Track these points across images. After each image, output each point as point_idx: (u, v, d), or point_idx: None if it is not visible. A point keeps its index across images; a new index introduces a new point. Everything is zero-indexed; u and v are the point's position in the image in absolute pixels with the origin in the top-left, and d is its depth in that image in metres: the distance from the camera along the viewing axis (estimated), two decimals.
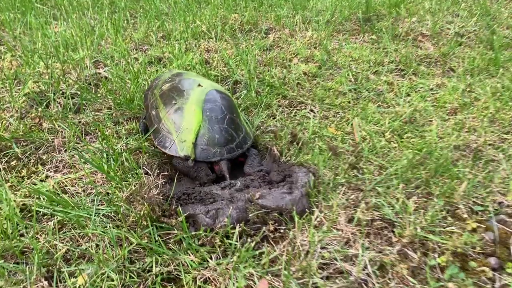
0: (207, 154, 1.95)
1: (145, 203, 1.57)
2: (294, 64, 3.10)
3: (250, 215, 1.71)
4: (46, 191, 1.79)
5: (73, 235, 1.63)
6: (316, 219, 1.74)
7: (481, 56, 3.19)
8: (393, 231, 1.75)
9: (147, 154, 2.10)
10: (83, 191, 1.89)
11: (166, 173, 2.01)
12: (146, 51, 3.19)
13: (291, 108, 2.61)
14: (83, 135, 2.27)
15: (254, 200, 1.78)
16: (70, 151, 2.12)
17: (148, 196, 1.61)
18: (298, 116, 2.51)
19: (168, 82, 2.15)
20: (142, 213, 1.59)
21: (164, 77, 2.25)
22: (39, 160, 2.07)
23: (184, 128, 1.95)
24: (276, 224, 1.73)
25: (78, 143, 2.18)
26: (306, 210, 1.79)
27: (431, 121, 2.53)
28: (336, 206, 1.79)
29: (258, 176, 1.94)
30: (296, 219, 1.71)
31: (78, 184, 1.92)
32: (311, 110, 2.60)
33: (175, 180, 1.84)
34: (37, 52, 2.89)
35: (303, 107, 2.63)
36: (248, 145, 2.08)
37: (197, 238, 1.63)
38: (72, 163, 2.07)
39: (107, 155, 2.04)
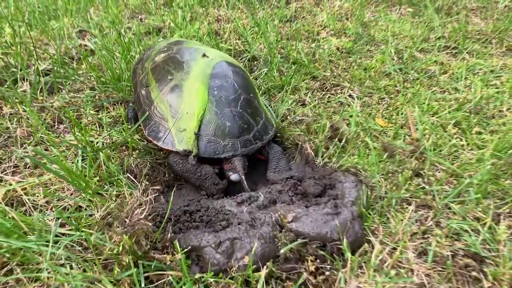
0: (215, 148, 1.41)
1: (125, 234, 1.04)
2: (323, 38, 2.52)
3: (281, 250, 1.17)
4: None
5: (18, 280, 1.10)
6: (376, 255, 1.20)
7: None
8: (482, 271, 1.22)
9: (137, 152, 1.56)
10: (46, 203, 1.35)
11: (159, 179, 1.48)
12: (143, 20, 2.62)
13: (324, 92, 2.06)
14: (56, 124, 1.73)
15: (285, 225, 1.24)
16: (35, 145, 1.59)
17: (131, 221, 1.07)
18: (333, 102, 1.96)
19: (163, 52, 1.59)
20: (120, 247, 1.06)
21: (159, 46, 1.69)
22: None
23: (184, 112, 1.41)
24: (318, 261, 1.20)
25: (49, 133, 1.65)
26: (360, 239, 1.25)
27: (501, 111, 1.97)
28: (401, 234, 1.25)
29: (288, 186, 1.39)
30: (348, 254, 1.18)
31: (39, 194, 1.39)
32: (349, 95, 2.04)
33: (173, 191, 1.30)
34: (6, 18, 2.33)
35: (338, 91, 2.08)
36: (270, 136, 1.53)
37: (204, 285, 1.10)
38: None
39: (83, 153, 1.50)
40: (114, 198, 1.29)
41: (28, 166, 1.52)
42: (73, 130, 1.52)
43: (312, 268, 1.17)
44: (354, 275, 1.16)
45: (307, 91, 2.04)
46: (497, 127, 1.82)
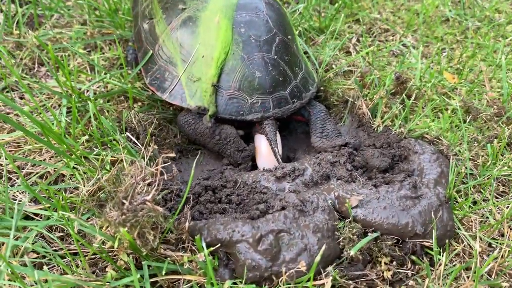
0: (239, 107, 1.03)
1: (123, 224, 0.68)
2: None
3: (345, 248, 0.82)
4: None
5: None
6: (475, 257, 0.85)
7: None
8: None
9: (139, 105, 1.19)
10: (18, 168, 0.99)
11: (169, 141, 1.11)
12: None
13: (372, 38, 1.66)
14: (36, 66, 1.35)
15: (347, 211, 0.88)
16: (8, 94, 1.21)
17: (132, 203, 0.71)
18: (384, 51, 1.56)
19: None
20: (116, 242, 0.71)
21: None
22: None
23: (199, 55, 1.03)
24: (395, 263, 0.85)
25: (24, 78, 1.27)
26: (450, 233, 0.90)
27: None
28: (507, 227, 0.89)
29: (344, 157, 1.02)
30: (438, 255, 0.83)
31: (16, 152, 1.03)
32: (402, 43, 1.64)
33: (196, 159, 0.94)
34: None
35: (389, 37, 1.68)
36: (311, 93, 1.16)
37: None
38: (12, 112, 1.16)
39: (68, 102, 1.13)
40: (108, 167, 0.93)
41: None
42: (55, 72, 1.13)
43: (388, 275, 0.82)
44: (443, 283, 0.81)
45: (352, 35, 1.64)
46: None
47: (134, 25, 1.24)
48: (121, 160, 0.88)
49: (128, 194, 0.73)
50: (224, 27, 1.03)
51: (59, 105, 1.20)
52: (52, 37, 1.42)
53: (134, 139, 1.00)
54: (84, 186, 0.86)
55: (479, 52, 1.59)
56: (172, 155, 0.88)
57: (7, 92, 1.23)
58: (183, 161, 1.10)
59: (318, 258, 0.68)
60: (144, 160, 0.85)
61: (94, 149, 1.00)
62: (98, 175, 0.85)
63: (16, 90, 1.25)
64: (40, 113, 1.16)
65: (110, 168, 0.91)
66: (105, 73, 1.25)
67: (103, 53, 1.41)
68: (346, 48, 1.57)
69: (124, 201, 0.72)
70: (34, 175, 0.99)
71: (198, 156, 1.12)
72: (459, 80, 1.42)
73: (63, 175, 0.99)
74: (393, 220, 0.87)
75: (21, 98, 1.23)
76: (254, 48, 1.05)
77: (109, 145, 0.98)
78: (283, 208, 0.87)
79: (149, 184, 0.78)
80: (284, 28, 1.15)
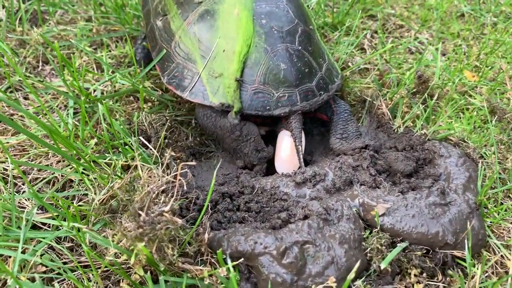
0: (265, 102, 0.98)
1: (140, 238, 0.63)
2: None
3: (375, 261, 0.77)
4: None
5: None
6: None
7: None
8: None
9: (149, 105, 1.14)
10: (24, 173, 0.94)
11: (181, 144, 1.06)
12: None
13: (386, 35, 1.60)
14: (40, 64, 1.29)
15: (376, 221, 0.83)
16: (12, 94, 1.16)
17: (149, 214, 0.66)
18: (400, 48, 1.51)
19: None
20: (133, 257, 0.66)
21: None
22: None
23: (219, 50, 0.97)
24: (425, 275, 0.80)
25: (28, 77, 1.21)
26: (481, 242, 0.85)
27: None
28: None
29: (367, 161, 0.97)
30: (472, 266, 0.78)
31: (22, 156, 0.98)
32: (418, 40, 1.59)
33: (218, 165, 0.89)
34: None
35: (404, 33, 1.63)
36: (337, 85, 1.10)
37: None
38: (14, 116, 1.11)
39: (74, 104, 1.08)
40: (119, 172, 0.87)
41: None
42: (61, 72, 1.08)
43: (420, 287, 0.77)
44: None
45: (364, 31, 1.58)
46: None
47: (145, 24, 1.18)
48: (135, 166, 0.83)
49: (145, 204, 0.68)
50: (244, 18, 0.98)
51: (66, 106, 1.15)
52: (57, 34, 1.36)
53: (146, 143, 0.94)
54: (95, 194, 0.81)
55: (497, 49, 1.54)
56: (193, 163, 0.83)
57: (11, 92, 1.17)
58: (197, 164, 1.04)
59: (351, 276, 0.63)
60: (161, 167, 0.80)
61: (104, 153, 0.95)
62: (110, 182, 0.80)
63: (20, 90, 1.20)
64: (46, 114, 1.11)
65: (122, 174, 0.86)
66: (112, 72, 1.20)
67: (110, 51, 1.35)
68: (361, 44, 1.52)
69: (141, 212, 0.67)
70: (40, 181, 0.94)
71: (210, 158, 1.07)
72: (479, 79, 1.37)
73: (72, 181, 0.94)
74: (422, 229, 0.82)
75: (25, 98, 1.18)
76: (277, 40, 1.00)
77: (120, 149, 0.93)
78: (306, 217, 0.83)
79: (164, 192, 0.73)
80: (304, 19, 1.10)
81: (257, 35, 0.98)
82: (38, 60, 1.31)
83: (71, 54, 1.32)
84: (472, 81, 1.36)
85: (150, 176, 0.71)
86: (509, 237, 0.90)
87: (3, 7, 1.43)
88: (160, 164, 0.84)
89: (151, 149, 0.95)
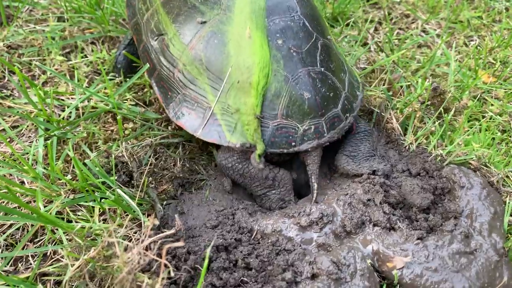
0: (290, 137, 0.85)
1: None
2: None
3: None
4: None
5: None
6: None
7: None
8: None
9: (131, 126, 1.00)
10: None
11: (167, 172, 0.94)
12: None
13: (391, 25, 1.46)
14: (6, 74, 1.14)
15: (394, 276, 0.73)
16: None
17: None
18: (407, 41, 1.37)
19: None
20: None
21: None
22: None
23: (233, 81, 0.83)
24: None
25: None
26: None
27: None
28: None
29: (379, 195, 0.86)
30: None
31: None
32: (425, 31, 1.45)
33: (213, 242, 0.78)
34: None
35: (410, 24, 1.49)
36: (360, 99, 0.98)
37: None
38: None
39: (46, 132, 0.95)
40: (96, 222, 0.75)
41: None
42: (26, 93, 0.94)
43: None
44: None
45: (366, 23, 1.44)
46: None
47: (136, 40, 1.00)
48: (112, 229, 0.70)
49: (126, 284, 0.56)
50: (258, 41, 0.83)
51: (35, 127, 1.01)
52: (25, 37, 1.20)
53: (128, 188, 0.82)
54: (68, 260, 0.69)
55: (510, 39, 1.41)
56: (180, 244, 0.69)
57: None
58: (186, 197, 0.92)
59: None
60: (143, 241, 0.67)
61: (80, 191, 0.83)
62: (84, 251, 0.68)
63: None
64: (13, 141, 0.98)
65: (105, 220, 0.74)
66: (88, 83, 1.06)
67: (85, 56, 1.20)
68: (364, 39, 1.38)
69: None
70: (7, 227, 0.82)
71: (200, 188, 0.95)
72: (495, 80, 1.25)
73: (42, 229, 0.82)
74: (446, 285, 0.72)
75: None
76: (297, 63, 0.86)
77: (96, 192, 0.81)
78: (314, 276, 0.72)
79: (149, 266, 0.61)
80: (321, 27, 0.96)
81: (275, 61, 0.84)
82: (5, 69, 1.16)
83: (42, 61, 1.17)
84: (488, 83, 1.23)
85: (130, 254, 0.59)
86: None
87: None
88: (143, 235, 0.71)
89: (132, 188, 0.83)
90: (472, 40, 1.47)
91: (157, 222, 0.64)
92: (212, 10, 0.86)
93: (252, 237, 0.81)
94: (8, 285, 0.68)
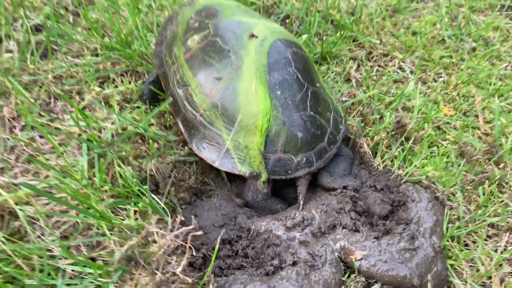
0: (287, 167, 1.13)
1: None
2: None
3: None
4: None
5: None
6: None
7: None
8: None
9: (156, 146, 1.26)
10: (47, 217, 1.07)
11: (184, 184, 1.19)
12: None
13: (371, 62, 1.73)
14: (52, 100, 1.40)
15: (353, 265, 0.98)
16: (29, 132, 1.28)
17: (164, 273, 0.80)
18: (385, 77, 1.64)
19: (195, 32, 1.21)
20: None
21: (185, 17, 1.30)
22: None
23: (243, 125, 1.10)
24: None
25: (42, 115, 1.33)
26: (443, 282, 1.01)
27: None
28: (498, 283, 1.00)
29: (348, 204, 1.12)
30: None
31: (38, 205, 1.10)
32: (401, 68, 1.72)
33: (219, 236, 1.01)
34: None
35: (388, 62, 1.75)
36: (342, 132, 1.26)
37: None
38: (33, 154, 1.23)
39: (88, 149, 1.20)
40: (132, 219, 1.01)
41: (19, 159, 1.22)
42: (75, 119, 1.20)
43: None
44: None
45: (352, 61, 1.71)
46: None
47: (165, 86, 1.27)
48: (147, 223, 0.96)
49: (159, 265, 0.82)
50: (261, 93, 1.09)
51: (79, 146, 1.27)
52: (67, 70, 1.47)
53: (154, 188, 1.08)
54: (114, 245, 0.94)
55: (474, 77, 1.67)
56: (200, 233, 0.95)
57: (27, 131, 1.29)
58: (198, 203, 1.18)
59: None
60: (172, 231, 0.93)
61: (119, 197, 1.09)
62: (128, 239, 0.93)
63: (36, 128, 1.31)
64: (60, 156, 1.23)
65: (137, 226, 0.99)
66: (119, 111, 1.32)
67: (116, 86, 1.47)
68: (348, 74, 1.64)
69: (157, 272, 0.81)
70: (63, 224, 1.07)
71: (210, 196, 1.21)
72: (454, 113, 1.51)
73: (91, 225, 1.07)
74: (393, 273, 0.97)
75: (41, 137, 1.30)
76: (292, 110, 1.12)
77: (132, 198, 1.07)
78: (294, 263, 0.97)
79: (178, 254, 0.86)
80: (311, 76, 1.22)
81: (275, 108, 1.11)
82: (50, 95, 1.42)
83: (81, 90, 1.43)
84: (448, 116, 1.49)
85: (162, 238, 0.84)
86: (468, 274, 1.05)
87: (14, 39, 1.53)
88: (171, 225, 0.97)
89: (160, 194, 1.09)
90: (441, 77, 1.73)
91: (182, 218, 0.89)
92: (225, 69, 1.13)
93: (250, 234, 1.06)
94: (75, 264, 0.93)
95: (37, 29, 1.62)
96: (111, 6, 1.68)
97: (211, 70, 1.14)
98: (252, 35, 1.15)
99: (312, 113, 1.14)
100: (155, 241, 0.87)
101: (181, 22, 1.29)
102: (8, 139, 1.25)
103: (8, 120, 1.31)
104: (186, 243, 0.86)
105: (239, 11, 1.30)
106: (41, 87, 1.41)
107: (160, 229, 0.97)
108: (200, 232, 0.89)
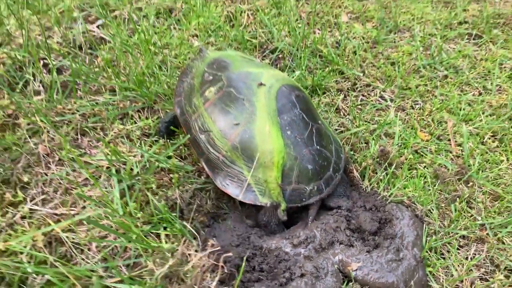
0: (301, 196, 1.34)
1: None
2: (346, 23, 2.38)
3: None
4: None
5: None
6: None
7: None
8: None
9: (175, 176, 1.46)
10: (93, 245, 1.26)
11: (202, 209, 1.39)
12: None
13: (356, 93, 1.96)
14: (79, 137, 1.59)
15: (348, 273, 1.19)
16: (62, 167, 1.46)
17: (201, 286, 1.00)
18: (368, 107, 1.87)
19: (211, 84, 1.42)
20: None
21: (199, 71, 1.51)
22: (17, 182, 1.40)
23: (261, 162, 1.30)
24: None
25: (72, 150, 1.51)
26: (424, 286, 1.22)
27: None
28: (469, 286, 1.22)
29: (343, 223, 1.33)
30: None
31: (79, 232, 1.29)
32: (382, 97, 1.95)
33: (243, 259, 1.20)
34: None
35: (370, 92, 1.98)
36: (343, 160, 1.48)
37: None
38: (68, 187, 1.41)
39: (119, 181, 1.39)
40: (164, 242, 1.20)
41: (57, 191, 1.41)
42: (107, 154, 1.39)
43: None
44: None
45: (339, 92, 1.93)
46: None
47: (186, 131, 1.45)
48: (180, 244, 1.16)
49: (197, 281, 1.02)
50: (274, 134, 1.30)
51: (108, 177, 1.46)
52: (90, 108, 1.65)
53: (180, 214, 1.28)
54: (153, 265, 1.14)
55: (446, 103, 1.91)
56: (230, 254, 1.15)
57: (61, 165, 1.47)
58: (216, 226, 1.38)
59: None
60: (204, 250, 1.13)
61: (150, 223, 1.28)
62: (168, 260, 1.13)
63: (65, 161, 1.49)
64: (93, 184, 1.42)
65: (170, 247, 1.19)
66: (140, 145, 1.51)
67: (135, 122, 1.66)
68: (335, 104, 1.86)
69: (194, 287, 1.01)
70: (103, 247, 1.26)
71: (225, 219, 1.41)
72: (430, 137, 1.74)
73: (128, 248, 1.26)
74: (383, 280, 1.19)
75: (73, 170, 1.48)
76: (302, 146, 1.33)
77: (162, 223, 1.26)
78: (302, 275, 1.18)
79: (212, 271, 1.06)
80: (314, 117, 1.44)
81: (287, 146, 1.31)
82: (77, 132, 1.60)
83: (104, 125, 1.62)
84: (424, 140, 1.73)
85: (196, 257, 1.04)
86: (444, 279, 1.27)
87: (39, 81, 1.71)
88: (200, 244, 1.17)
89: (185, 219, 1.29)
90: (417, 104, 1.96)
91: (215, 242, 1.10)
92: (241, 115, 1.33)
93: (262, 252, 1.27)
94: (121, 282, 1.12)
95: (57, 70, 1.80)
96: (124, 46, 1.87)
97: (229, 117, 1.34)
98: (261, 84, 1.37)
99: (318, 147, 1.36)
100: (187, 261, 1.07)
101: (196, 75, 1.50)
102: (46, 174, 1.44)
103: (43, 156, 1.49)
104: (217, 261, 1.07)
105: (245, 62, 1.52)
106: (68, 125, 1.59)
107: (190, 250, 1.17)
108: (230, 253, 1.10)
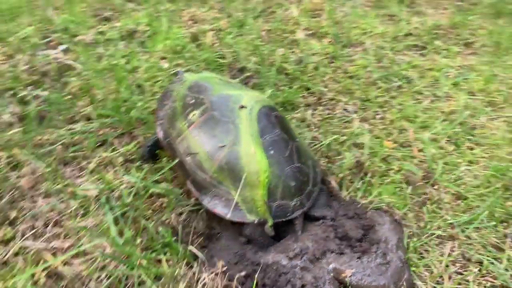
0: (286, 211, 1.40)
1: None
2: (304, 40, 2.51)
3: None
4: None
5: None
6: None
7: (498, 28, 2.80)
8: None
9: (166, 200, 1.49)
10: (95, 275, 1.27)
11: (197, 230, 1.43)
12: (111, 20, 2.41)
13: (321, 107, 2.07)
14: (62, 166, 1.58)
15: (343, 280, 1.28)
16: (49, 198, 1.45)
17: None
18: (334, 119, 1.99)
19: (194, 107, 1.48)
20: None
21: (180, 94, 1.55)
22: (5, 218, 1.38)
23: (248, 181, 1.36)
24: None
25: (55, 183, 1.50)
26: (411, 286, 1.34)
27: (478, 118, 2.11)
28: (447, 279, 1.35)
29: (332, 233, 1.42)
30: None
31: (75, 262, 1.29)
32: (345, 109, 2.08)
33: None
34: None
35: (335, 105, 2.10)
36: (319, 173, 1.57)
37: None
38: (58, 220, 1.41)
39: (111, 208, 1.40)
40: (172, 270, 1.24)
41: (47, 224, 1.40)
42: (97, 181, 1.40)
43: None
44: None
45: (307, 107, 2.04)
46: (481, 139, 1.94)
47: (171, 153, 1.49)
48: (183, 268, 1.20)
49: None
50: (259, 154, 1.36)
51: (97, 206, 1.46)
52: (69, 137, 1.65)
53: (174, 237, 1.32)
54: None
55: (404, 112, 2.06)
56: (243, 273, 1.20)
57: (48, 197, 1.46)
58: (211, 245, 1.43)
59: None
60: (214, 276, 1.18)
61: (149, 249, 1.31)
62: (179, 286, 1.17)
63: (49, 196, 1.48)
64: (84, 215, 1.42)
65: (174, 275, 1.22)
66: (125, 169, 1.53)
67: (115, 150, 1.67)
68: (304, 119, 1.96)
69: None
70: (106, 277, 1.27)
71: (219, 239, 1.46)
72: (395, 145, 1.88)
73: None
74: (376, 283, 1.29)
75: (61, 202, 1.47)
76: (284, 165, 1.41)
77: (159, 248, 1.30)
78: (303, 286, 1.26)
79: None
80: (291, 134, 1.52)
81: (271, 165, 1.38)
82: (59, 162, 1.59)
83: (85, 153, 1.62)
84: (390, 148, 1.86)
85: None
86: (430, 278, 1.40)
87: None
88: (206, 269, 1.22)
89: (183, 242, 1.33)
90: (378, 114, 2.10)
91: (223, 265, 1.15)
92: (227, 137, 1.39)
93: (261, 267, 1.33)
94: None
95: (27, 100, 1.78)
96: (95, 72, 1.88)
97: (215, 139, 1.40)
98: (242, 106, 1.44)
99: (299, 164, 1.44)
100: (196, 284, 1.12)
101: (177, 98, 1.55)
102: (33, 207, 1.43)
103: (28, 189, 1.48)
104: (230, 280, 1.12)
105: (223, 84, 1.59)
106: (49, 155, 1.58)
107: (195, 272, 1.21)
108: (243, 273, 1.16)
